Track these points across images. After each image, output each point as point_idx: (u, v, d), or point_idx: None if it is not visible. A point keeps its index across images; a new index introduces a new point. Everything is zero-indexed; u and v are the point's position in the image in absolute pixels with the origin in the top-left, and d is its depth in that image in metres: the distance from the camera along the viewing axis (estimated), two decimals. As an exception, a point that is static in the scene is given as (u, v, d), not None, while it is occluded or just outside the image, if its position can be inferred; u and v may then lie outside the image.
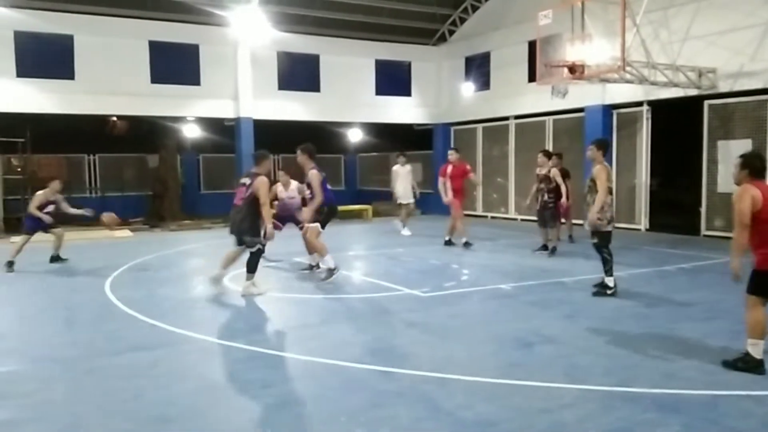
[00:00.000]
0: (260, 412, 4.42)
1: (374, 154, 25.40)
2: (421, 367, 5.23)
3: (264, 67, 18.14)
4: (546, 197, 11.23)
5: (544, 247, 11.41)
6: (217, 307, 7.83)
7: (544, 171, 11.31)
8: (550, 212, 11.33)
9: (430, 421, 4.19)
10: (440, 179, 12.69)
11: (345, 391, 4.75)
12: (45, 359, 5.69)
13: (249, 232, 8.12)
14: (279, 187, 10.85)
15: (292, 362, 5.52)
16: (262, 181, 8.00)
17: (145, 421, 4.25)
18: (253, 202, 7.99)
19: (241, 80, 17.75)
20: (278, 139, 21.10)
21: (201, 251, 12.86)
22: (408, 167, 15.36)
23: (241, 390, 4.84)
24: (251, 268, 8.17)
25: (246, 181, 8.18)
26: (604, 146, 8.14)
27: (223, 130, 19.30)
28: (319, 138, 22.17)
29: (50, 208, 10.68)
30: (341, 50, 19.44)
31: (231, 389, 4.86)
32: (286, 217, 10.81)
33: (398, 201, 15.40)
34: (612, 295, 7.79)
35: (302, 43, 18.66)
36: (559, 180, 11.21)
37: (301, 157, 9.19)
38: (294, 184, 10.75)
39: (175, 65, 17.29)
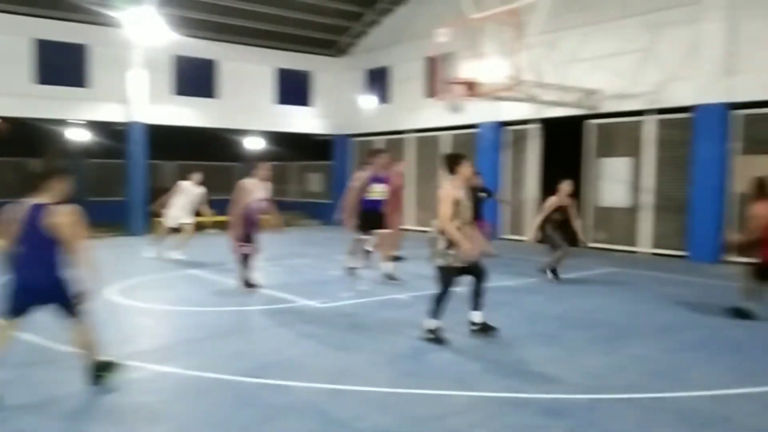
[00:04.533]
0: None
1: (274, 163, 25.06)
2: (315, 379, 5.17)
3: (158, 70, 17.49)
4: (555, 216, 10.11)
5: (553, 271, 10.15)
6: (99, 321, 7.41)
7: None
8: (559, 233, 10.16)
9: (322, 434, 4.14)
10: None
11: (235, 407, 4.60)
12: None
13: None
14: None
15: (180, 378, 5.30)
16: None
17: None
18: None
19: (133, 83, 17.02)
20: (173, 145, 20.45)
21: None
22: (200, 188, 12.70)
23: (124, 409, 4.59)
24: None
25: None
26: (448, 163, 6.47)
27: (113, 135, 18.45)
28: (215, 145, 21.77)
29: None
30: (241, 57, 19.09)
31: (112, 409, 4.59)
32: None
33: (178, 221, 12.39)
34: (434, 340, 6.31)
35: (200, 48, 18.15)
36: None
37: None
38: None
39: (62, 65, 16.31)
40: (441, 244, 6.18)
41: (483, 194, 11.87)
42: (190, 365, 5.56)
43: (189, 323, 7.41)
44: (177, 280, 10.21)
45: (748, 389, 4.97)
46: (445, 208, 6.12)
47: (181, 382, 5.21)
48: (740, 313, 7.37)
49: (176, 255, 12.07)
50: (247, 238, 8.88)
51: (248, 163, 9.13)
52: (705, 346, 6.28)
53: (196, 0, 17.22)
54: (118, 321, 7.42)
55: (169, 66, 17.83)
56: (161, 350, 6.16)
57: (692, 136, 12.40)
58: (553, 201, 10.12)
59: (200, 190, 12.61)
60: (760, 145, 11.72)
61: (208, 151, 22.10)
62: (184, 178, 12.91)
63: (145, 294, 8.92)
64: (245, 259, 8.94)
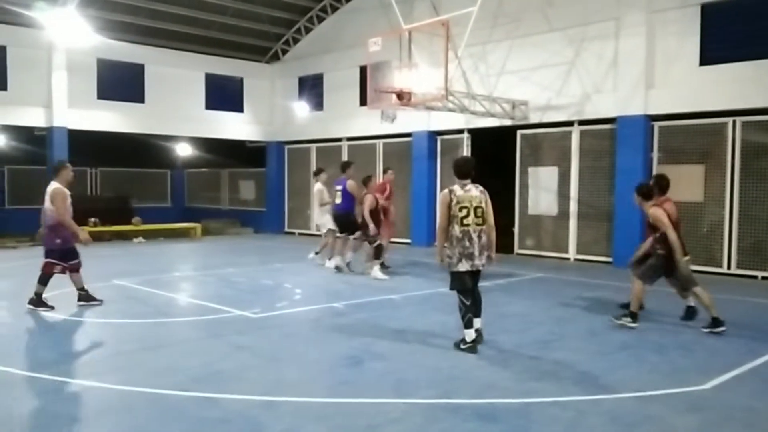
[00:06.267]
0: (68, 450, 4.03)
1: (204, 170, 24.59)
2: (249, 391, 5.08)
3: (82, 74, 16.87)
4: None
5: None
6: (23, 335, 7.07)
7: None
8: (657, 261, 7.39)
9: (257, 447, 4.07)
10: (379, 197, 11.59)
11: (164, 422, 4.47)
12: None
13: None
14: None
15: (107, 393, 5.10)
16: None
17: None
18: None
19: (55, 87, 16.35)
20: (97, 151, 19.72)
21: (5, 273, 11.56)
22: (318, 185, 12.58)
23: (47, 427, 4.38)
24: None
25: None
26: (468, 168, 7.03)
27: (33, 140, 17.67)
28: (142, 152, 21.15)
29: None
30: (169, 61, 18.65)
31: (35, 427, 4.38)
32: None
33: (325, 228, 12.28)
34: (467, 350, 6.28)
35: (126, 52, 17.62)
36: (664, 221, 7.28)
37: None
38: None
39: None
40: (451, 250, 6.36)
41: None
42: (116, 380, 5.36)
43: (115, 336, 7.15)
44: (100, 291, 9.82)
45: (669, 390, 5.19)
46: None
47: (107, 398, 5.01)
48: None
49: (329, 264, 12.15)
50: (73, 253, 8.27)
51: (55, 164, 8.46)
52: (629, 349, 6.54)
53: (122, 3, 16.75)
54: (41, 335, 7.09)
55: (92, 69, 17.24)
56: (87, 365, 5.92)
57: (615, 146, 12.91)
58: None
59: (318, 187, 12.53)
60: (676, 155, 12.29)
61: (137, 158, 21.48)
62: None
63: (67, 306, 8.54)
64: (49, 276, 8.19)
